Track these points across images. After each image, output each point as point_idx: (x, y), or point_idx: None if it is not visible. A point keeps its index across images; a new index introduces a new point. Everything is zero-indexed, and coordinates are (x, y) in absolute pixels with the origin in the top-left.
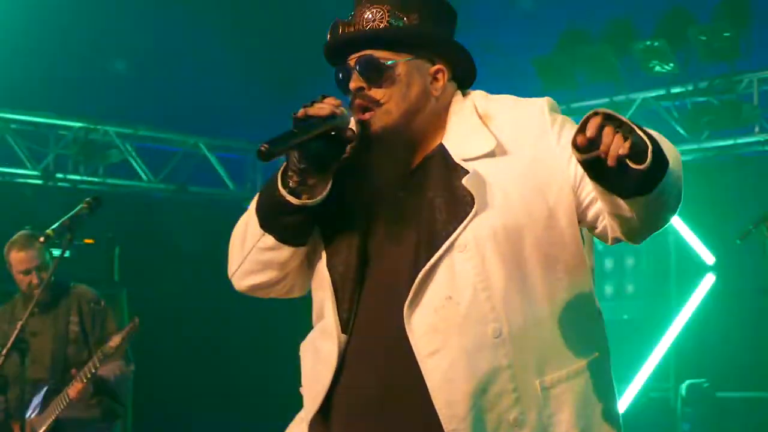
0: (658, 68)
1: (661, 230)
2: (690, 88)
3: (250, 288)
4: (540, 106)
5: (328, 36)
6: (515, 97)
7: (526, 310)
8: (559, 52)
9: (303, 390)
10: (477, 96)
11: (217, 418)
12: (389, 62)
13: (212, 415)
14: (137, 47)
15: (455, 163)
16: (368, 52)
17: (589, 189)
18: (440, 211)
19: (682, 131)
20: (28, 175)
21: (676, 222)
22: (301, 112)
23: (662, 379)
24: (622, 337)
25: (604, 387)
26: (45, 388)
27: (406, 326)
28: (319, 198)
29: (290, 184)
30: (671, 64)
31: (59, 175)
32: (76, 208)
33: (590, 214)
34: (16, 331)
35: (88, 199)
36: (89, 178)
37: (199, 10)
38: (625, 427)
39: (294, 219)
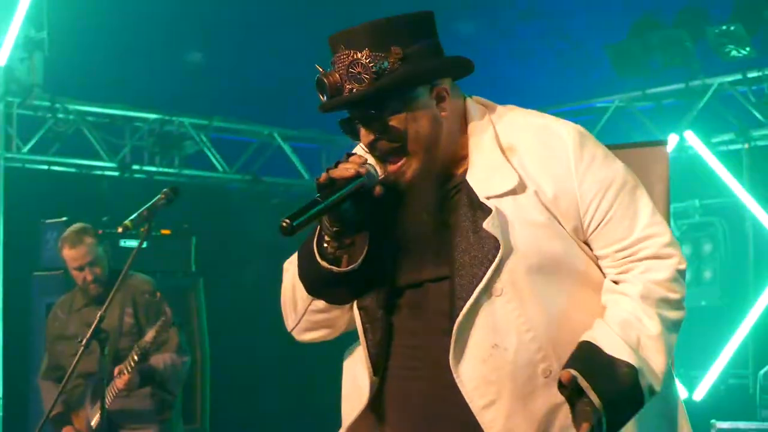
0: (734, 53)
1: (738, 215)
2: (767, 72)
3: (310, 341)
4: (567, 141)
5: (318, 92)
6: (543, 121)
7: (570, 341)
8: (633, 38)
9: (342, 403)
10: (501, 120)
11: (292, 408)
12: (389, 113)
13: (288, 404)
14: (212, 39)
15: (480, 201)
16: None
17: (600, 244)
18: (469, 254)
19: (758, 115)
20: (105, 167)
21: (754, 207)
22: (323, 176)
23: (740, 366)
24: (700, 324)
25: (665, 395)
26: (96, 380)
27: (455, 378)
28: (360, 259)
29: (328, 251)
30: (747, 48)
31: (135, 167)
32: (154, 199)
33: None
34: (95, 322)
35: (165, 189)
36: (165, 170)
37: (273, 1)
38: (704, 414)
39: (340, 285)
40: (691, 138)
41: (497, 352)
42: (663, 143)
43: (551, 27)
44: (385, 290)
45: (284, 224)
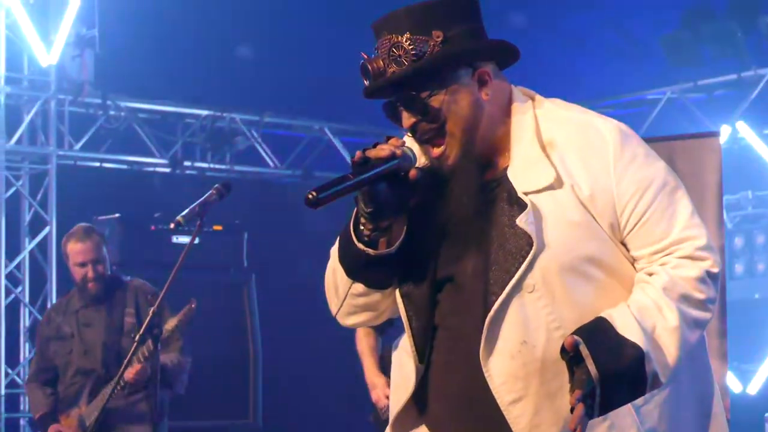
0: None
1: None
2: None
3: (354, 326)
4: (608, 139)
5: (363, 77)
6: (586, 117)
7: None
8: (684, 29)
9: (391, 394)
10: (544, 113)
11: (345, 404)
12: (429, 95)
13: (340, 399)
14: (262, 34)
15: (517, 196)
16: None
17: (636, 245)
18: (503, 249)
19: None
20: (157, 163)
21: None
22: (357, 154)
23: None
24: (753, 316)
25: (698, 387)
26: (95, 379)
27: (485, 372)
28: (397, 243)
29: (364, 233)
30: None
31: (187, 163)
32: (205, 195)
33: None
34: (148, 317)
35: (217, 185)
36: (216, 166)
37: None
38: (758, 408)
39: (377, 268)
40: (744, 129)
41: (526, 348)
42: (715, 135)
43: (603, 18)
44: (427, 280)
45: (310, 196)
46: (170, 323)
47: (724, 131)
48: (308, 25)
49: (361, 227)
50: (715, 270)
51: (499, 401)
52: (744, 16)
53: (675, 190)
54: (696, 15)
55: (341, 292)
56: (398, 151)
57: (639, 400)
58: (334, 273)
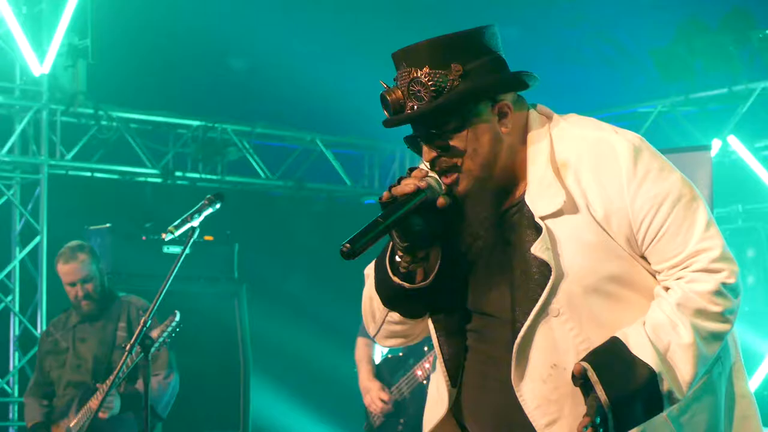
0: None
1: None
2: None
3: (392, 347)
4: (621, 156)
5: (383, 108)
6: (599, 134)
7: None
8: (677, 43)
9: (426, 410)
10: (559, 133)
11: (334, 415)
12: (450, 131)
13: (330, 411)
14: (253, 46)
15: (535, 221)
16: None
17: (654, 259)
18: (526, 275)
19: None
20: (148, 174)
21: None
22: (385, 194)
23: None
24: (744, 329)
25: (731, 394)
26: (84, 391)
27: (518, 396)
28: (433, 274)
29: (401, 265)
30: None
31: (178, 174)
32: (197, 206)
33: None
34: (139, 327)
35: (209, 195)
36: (208, 176)
37: (314, 8)
38: None
39: (414, 300)
40: (735, 143)
41: (556, 371)
42: (706, 148)
43: (595, 31)
44: (456, 306)
45: (344, 249)
46: (154, 332)
47: (715, 145)
48: (300, 36)
49: (398, 259)
50: (731, 281)
51: (534, 424)
52: (736, 30)
53: (691, 201)
54: (688, 29)
55: (378, 318)
56: (422, 183)
57: (675, 410)
58: (371, 300)
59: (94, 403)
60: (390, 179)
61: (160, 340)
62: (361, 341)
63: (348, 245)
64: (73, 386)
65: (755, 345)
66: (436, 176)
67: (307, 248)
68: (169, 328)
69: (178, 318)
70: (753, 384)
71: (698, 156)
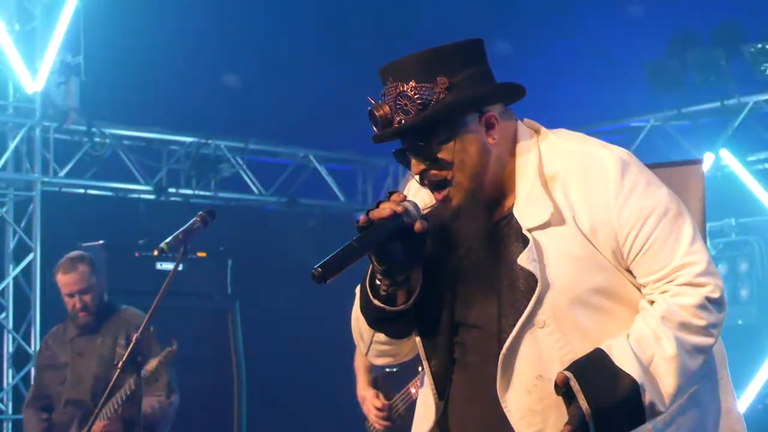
0: None
1: None
2: None
3: (383, 364)
4: (608, 170)
5: (371, 124)
6: (587, 148)
7: None
8: (670, 55)
9: (414, 423)
10: (547, 146)
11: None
12: (438, 143)
13: (325, 427)
14: (246, 62)
15: (522, 233)
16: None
17: (639, 273)
18: (512, 287)
19: None
20: (141, 190)
21: None
22: (362, 218)
23: None
24: (737, 343)
25: (719, 405)
26: (84, 410)
27: (503, 407)
28: (414, 296)
29: (381, 289)
30: None
31: (171, 190)
32: (190, 222)
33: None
34: (130, 346)
35: (201, 212)
36: (201, 193)
37: (307, 25)
38: None
39: (396, 321)
40: (727, 156)
41: (541, 382)
42: (699, 162)
43: (587, 45)
44: (442, 321)
45: (316, 273)
46: (151, 364)
47: (708, 159)
48: (293, 52)
49: (378, 282)
50: (716, 295)
51: None
52: (728, 44)
53: (677, 216)
54: (680, 42)
55: (366, 339)
56: (399, 208)
57: (660, 423)
58: (358, 321)
59: (97, 427)
60: (384, 195)
61: (157, 368)
62: (359, 351)
63: (320, 270)
64: (72, 404)
65: (749, 359)
66: (415, 201)
67: (301, 264)
68: (167, 359)
69: (175, 348)
70: (747, 397)
71: (691, 170)
